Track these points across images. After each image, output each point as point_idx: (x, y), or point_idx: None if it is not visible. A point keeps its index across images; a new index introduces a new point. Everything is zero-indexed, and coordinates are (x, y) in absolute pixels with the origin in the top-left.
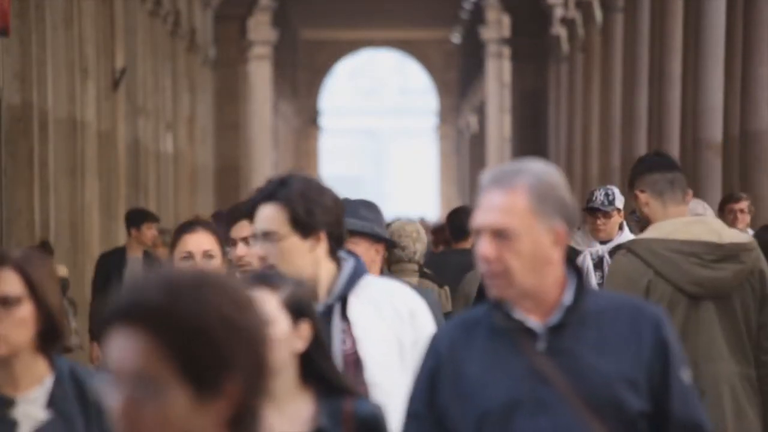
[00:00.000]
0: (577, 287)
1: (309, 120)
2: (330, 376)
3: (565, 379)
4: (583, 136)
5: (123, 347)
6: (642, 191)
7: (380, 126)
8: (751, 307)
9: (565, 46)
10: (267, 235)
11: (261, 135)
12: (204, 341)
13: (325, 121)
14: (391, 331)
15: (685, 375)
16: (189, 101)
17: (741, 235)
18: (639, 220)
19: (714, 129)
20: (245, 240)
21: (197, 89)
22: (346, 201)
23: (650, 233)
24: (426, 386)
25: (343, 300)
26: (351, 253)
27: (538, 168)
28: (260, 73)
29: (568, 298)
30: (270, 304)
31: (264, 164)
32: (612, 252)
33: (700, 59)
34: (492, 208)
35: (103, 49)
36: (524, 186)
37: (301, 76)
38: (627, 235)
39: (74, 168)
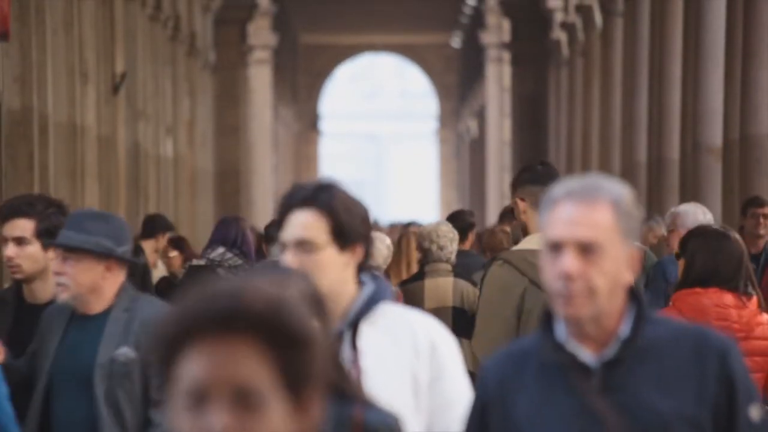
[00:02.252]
0: (637, 316)
1: (309, 124)
2: (340, 382)
3: (620, 419)
4: (583, 141)
5: (220, 357)
6: (522, 200)
7: (380, 130)
8: None
9: (565, 51)
10: (302, 244)
11: (261, 139)
12: (304, 350)
13: (325, 125)
14: (407, 366)
15: (755, 412)
16: (189, 105)
17: None
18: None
19: (714, 133)
20: (18, 240)
21: (197, 93)
22: (71, 213)
23: (524, 244)
24: (476, 424)
25: (355, 327)
26: (375, 275)
27: (617, 185)
28: (260, 78)
29: (625, 329)
30: None
31: (264, 168)
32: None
33: (700, 63)
34: (575, 220)
35: (103, 53)
36: (608, 201)
37: (301, 81)
38: None
39: (74, 172)
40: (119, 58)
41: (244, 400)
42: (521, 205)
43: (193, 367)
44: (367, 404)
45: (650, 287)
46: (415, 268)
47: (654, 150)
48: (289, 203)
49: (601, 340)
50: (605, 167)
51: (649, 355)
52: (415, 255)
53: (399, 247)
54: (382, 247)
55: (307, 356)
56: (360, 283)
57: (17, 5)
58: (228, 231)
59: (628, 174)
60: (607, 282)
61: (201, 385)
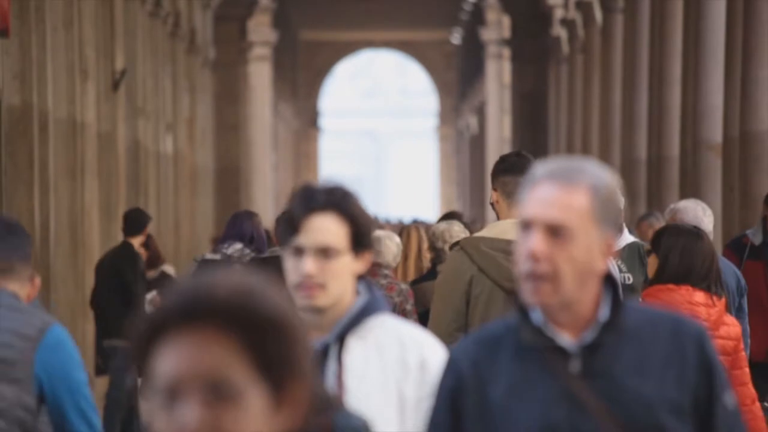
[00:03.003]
0: (613, 301)
1: (309, 121)
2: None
3: (602, 403)
4: (583, 137)
5: (189, 350)
6: (495, 190)
7: (380, 127)
8: None
9: (565, 47)
10: (324, 251)
11: (261, 136)
12: (279, 338)
13: (325, 122)
14: (393, 383)
15: (730, 399)
16: (189, 102)
17: None
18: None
19: (714, 130)
20: None
21: (197, 90)
22: None
23: (483, 232)
24: (447, 411)
25: (342, 340)
26: (371, 286)
27: (599, 170)
28: (260, 74)
29: (603, 313)
30: None
31: (264, 165)
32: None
33: (700, 60)
34: (549, 201)
35: (103, 50)
36: (587, 185)
37: (301, 77)
38: (626, 237)
39: (74, 169)
40: (119, 55)
41: (216, 392)
42: (494, 195)
43: (164, 363)
44: (337, 409)
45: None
46: (413, 263)
47: (654, 147)
48: (308, 206)
49: (578, 325)
50: (605, 164)
51: (629, 340)
52: (414, 252)
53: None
54: (392, 244)
55: (282, 342)
56: (357, 292)
57: (17, 2)
58: (243, 226)
59: (628, 171)
60: (575, 268)
61: (172, 380)
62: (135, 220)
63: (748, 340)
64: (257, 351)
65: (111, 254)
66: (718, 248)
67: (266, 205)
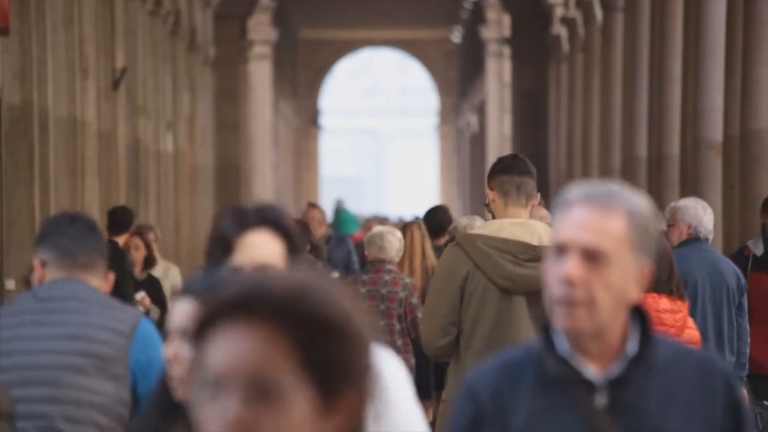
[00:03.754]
0: (643, 334)
1: (309, 120)
2: None
3: None
4: (583, 136)
5: (237, 344)
6: (492, 189)
7: (380, 126)
8: None
9: (565, 46)
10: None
11: (261, 135)
12: (333, 339)
13: (325, 120)
14: None
15: None
16: (189, 101)
17: None
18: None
19: (714, 129)
20: None
21: (197, 89)
22: None
23: (479, 230)
24: None
25: None
26: None
27: (635, 196)
28: (260, 73)
29: (632, 347)
30: None
31: (264, 164)
32: None
33: (701, 59)
34: (585, 225)
35: (103, 49)
36: (624, 210)
37: (301, 76)
38: None
39: (74, 168)
40: (119, 54)
41: (259, 390)
42: (490, 194)
43: (212, 355)
44: None
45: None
46: (418, 263)
47: (654, 145)
48: (241, 224)
49: (605, 356)
50: (605, 163)
51: (656, 375)
52: (419, 251)
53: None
54: (394, 240)
55: (336, 345)
56: None
57: (17, 1)
58: None
59: (628, 169)
60: (611, 296)
61: (217, 373)
62: (120, 218)
63: (748, 339)
64: (308, 352)
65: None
66: (719, 248)
67: None
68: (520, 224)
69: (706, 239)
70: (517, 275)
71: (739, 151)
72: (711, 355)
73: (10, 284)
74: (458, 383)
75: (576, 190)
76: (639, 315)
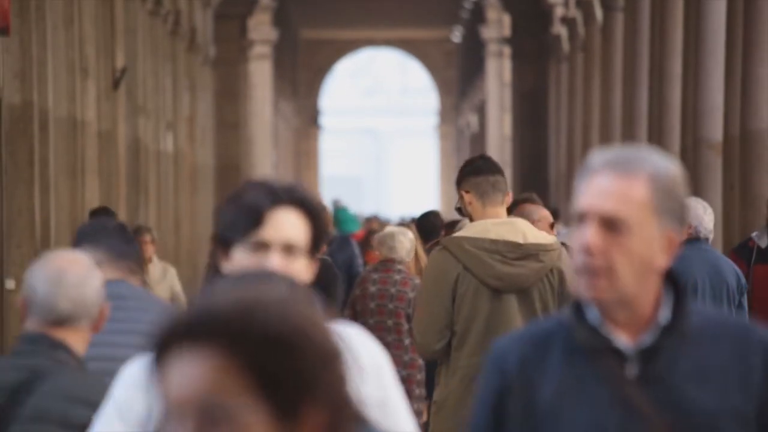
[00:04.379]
0: (676, 302)
1: (309, 119)
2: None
3: (659, 412)
4: (583, 136)
5: (187, 372)
6: (467, 192)
7: (380, 125)
8: (549, 301)
9: (565, 46)
10: (289, 248)
11: (261, 134)
12: (287, 356)
13: (325, 120)
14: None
15: None
16: (189, 101)
17: (545, 236)
18: (463, 216)
19: (714, 128)
20: None
21: (197, 89)
22: None
23: (464, 232)
24: (491, 412)
25: None
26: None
27: (662, 159)
28: (260, 73)
29: (664, 315)
30: None
31: (264, 164)
32: None
33: (701, 58)
34: (605, 192)
35: (104, 48)
36: (647, 175)
37: (301, 76)
38: None
39: (74, 168)
40: (119, 54)
41: (212, 416)
42: (466, 197)
43: (166, 384)
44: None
45: None
46: (412, 264)
47: (654, 145)
48: (273, 199)
49: (637, 326)
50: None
51: (690, 344)
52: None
53: None
54: (405, 240)
55: (291, 361)
56: None
57: (17, 1)
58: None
59: None
60: (632, 263)
61: (171, 402)
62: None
63: None
64: (260, 371)
65: None
66: (719, 248)
67: None
68: (504, 223)
69: (707, 239)
70: (506, 274)
71: (739, 151)
72: (750, 323)
73: (10, 284)
74: (448, 384)
75: (599, 156)
76: (673, 283)
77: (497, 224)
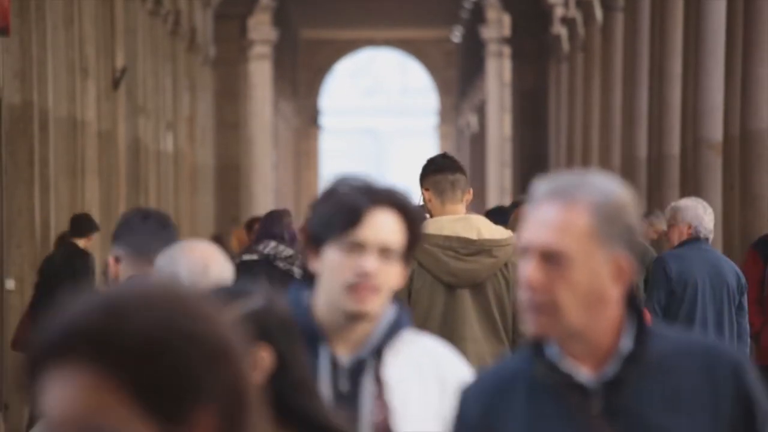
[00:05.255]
0: (637, 330)
1: (309, 119)
2: (308, 413)
3: None
4: (583, 136)
5: (62, 390)
6: (427, 189)
7: (380, 125)
8: (504, 296)
9: (565, 46)
10: (385, 251)
11: (261, 134)
12: (162, 360)
13: (325, 120)
14: (433, 402)
15: None
16: (189, 100)
17: (501, 232)
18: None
19: (714, 128)
20: None
21: (197, 88)
22: None
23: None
24: None
25: (379, 356)
26: (395, 297)
27: (605, 183)
28: (260, 73)
29: (626, 344)
30: None
31: (264, 163)
32: None
33: (701, 59)
34: (545, 224)
35: (104, 48)
36: (588, 202)
37: (301, 76)
38: None
39: (74, 168)
40: (119, 54)
41: None
42: (426, 195)
43: (43, 405)
44: None
45: (651, 282)
46: None
47: (654, 145)
48: (372, 199)
49: (597, 357)
50: (605, 163)
51: (655, 373)
52: None
53: None
54: None
55: (168, 364)
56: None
57: (17, 1)
58: (273, 225)
59: (628, 169)
60: (578, 296)
61: (50, 426)
62: (81, 224)
63: (748, 339)
64: (137, 381)
65: (60, 255)
66: (719, 248)
67: (266, 203)
68: (459, 220)
69: (707, 239)
70: (459, 270)
71: (739, 151)
72: (719, 343)
73: (10, 284)
74: None
75: (542, 184)
76: (635, 311)
77: (452, 221)
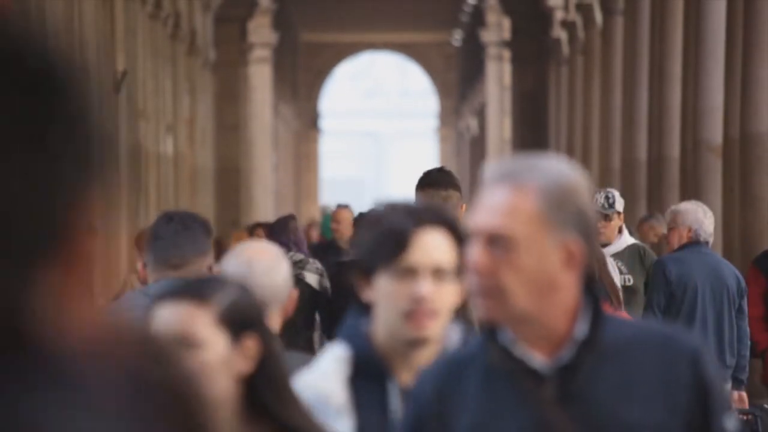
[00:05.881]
0: (593, 316)
1: (309, 122)
2: (277, 407)
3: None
4: (583, 139)
5: None
6: None
7: (380, 128)
8: None
9: (565, 49)
10: (438, 272)
11: (261, 137)
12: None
13: (325, 123)
14: None
15: (730, 423)
16: (189, 103)
17: None
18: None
19: (714, 130)
20: None
21: (197, 91)
22: None
23: None
24: None
25: None
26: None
27: (556, 166)
28: (260, 76)
29: (581, 330)
30: (199, 322)
31: (264, 166)
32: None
33: (701, 61)
34: (492, 208)
35: (104, 51)
36: (536, 186)
37: (301, 78)
38: (626, 238)
39: None
40: (119, 57)
41: None
42: None
43: None
44: None
45: (651, 285)
46: None
47: (654, 148)
48: (418, 221)
49: (551, 343)
50: (605, 165)
51: (611, 359)
52: None
53: None
54: None
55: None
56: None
57: (18, 2)
58: (280, 234)
59: (628, 171)
60: (524, 280)
61: None
62: None
63: (748, 342)
64: None
65: None
66: (719, 251)
67: (266, 205)
68: None
69: (707, 242)
70: None
71: (739, 153)
72: (678, 331)
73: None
74: None
75: (492, 168)
76: (591, 296)
77: None
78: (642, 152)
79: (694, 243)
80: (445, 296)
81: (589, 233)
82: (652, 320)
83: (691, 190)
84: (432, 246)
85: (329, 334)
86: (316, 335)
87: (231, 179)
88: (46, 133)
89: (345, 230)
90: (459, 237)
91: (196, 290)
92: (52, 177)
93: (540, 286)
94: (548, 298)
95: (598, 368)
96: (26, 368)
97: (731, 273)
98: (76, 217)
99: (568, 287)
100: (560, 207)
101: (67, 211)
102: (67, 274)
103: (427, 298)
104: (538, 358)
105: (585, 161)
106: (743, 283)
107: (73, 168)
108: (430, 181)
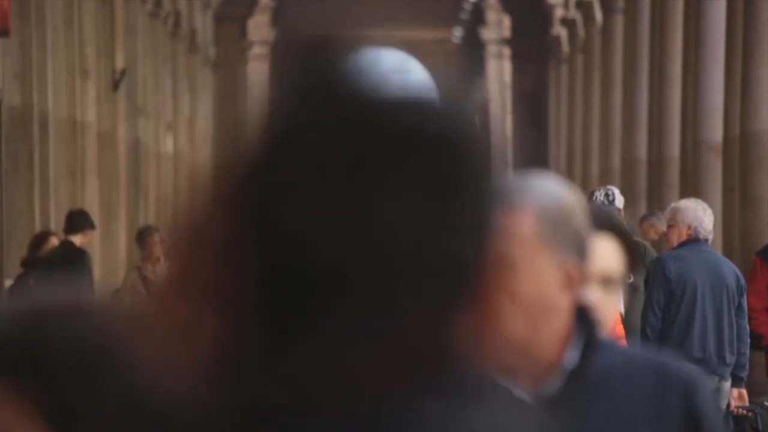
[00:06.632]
0: (586, 344)
1: None
2: None
3: None
4: (583, 137)
5: None
6: None
7: None
8: None
9: (565, 47)
10: (607, 280)
11: None
12: (80, 382)
13: None
14: None
15: None
16: (189, 101)
17: None
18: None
19: (714, 130)
20: None
21: (197, 89)
22: None
23: None
24: None
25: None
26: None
27: (552, 187)
28: (260, 73)
29: (571, 358)
30: None
31: None
32: None
33: (701, 60)
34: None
35: (104, 50)
36: (533, 207)
37: None
38: None
39: (74, 169)
40: (119, 55)
41: None
42: None
43: None
44: None
45: (650, 283)
46: None
47: (654, 147)
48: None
49: (537, 372)
50: (605, 164)
51: (601, 390)
52: None
53: None
54: None
55: (84, 388)
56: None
57: (17, 2)
58: None
59: (628, 170)
60: (521, 307)
61: None
62: (76, 221)
63: (748, 340)
64: (49, 401)
65: (58, 254)
66: (718, 249)
67: None
68: None
69: (706, 240)
70: None
71: (739, 152)
72: (671, 360)
73: (10, 284)
74: None
75: None
76: (585, 322)
77: None
78: (642, 151)
79: (694, 240)
80: (610, 306)
81: (585, 254)
82: (647, 348)
83: (691, 189)
84: (600, 252)
85: None
86: None
87: None
88: (463, 190)
89: None
90: (626, 241)
91: None
92: (470, 226)
93: (536, 311)
94: (542, 324)
95: (586, 399)
96: (453, 382)
97: (731, 271)
98: (483, 255)
99: (564, 312)
100: (559, 228)
101: (478, 250)
102: (474, 303)
103: (593, 306)
104: (522, 389)
105: (585, 159)
106: (743, 281)
107: (479, 217)
108: None
